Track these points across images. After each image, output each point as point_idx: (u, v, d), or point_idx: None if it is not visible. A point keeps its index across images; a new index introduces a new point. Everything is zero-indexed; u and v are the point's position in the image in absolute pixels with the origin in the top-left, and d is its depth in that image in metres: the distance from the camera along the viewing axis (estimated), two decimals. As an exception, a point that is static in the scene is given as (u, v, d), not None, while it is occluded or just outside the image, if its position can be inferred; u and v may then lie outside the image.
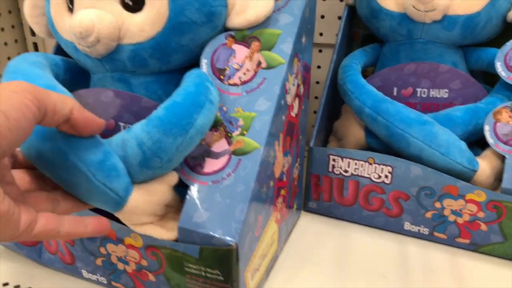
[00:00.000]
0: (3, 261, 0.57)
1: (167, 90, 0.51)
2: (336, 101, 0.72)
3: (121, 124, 0.51)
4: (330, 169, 0.66)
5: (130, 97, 0.50)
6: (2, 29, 0.87)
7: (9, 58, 0.89)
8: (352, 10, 0.75)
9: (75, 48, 0.51)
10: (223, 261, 0.45)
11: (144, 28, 0.48)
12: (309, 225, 0.67)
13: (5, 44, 0.88)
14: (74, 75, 0.55)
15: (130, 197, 0.44)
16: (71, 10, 0.50)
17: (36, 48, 0.94)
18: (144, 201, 0.45)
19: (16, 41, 0.91)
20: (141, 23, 0.48)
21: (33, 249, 0.55)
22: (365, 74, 0.70)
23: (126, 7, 0.48)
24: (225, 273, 0.46)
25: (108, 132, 0.51)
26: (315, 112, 0.87)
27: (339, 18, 0.84)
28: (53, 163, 0.40)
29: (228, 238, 0.44)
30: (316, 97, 0.89)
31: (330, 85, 0.71)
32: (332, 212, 0.68)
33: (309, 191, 0.68)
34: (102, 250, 0.50)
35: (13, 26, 0.89)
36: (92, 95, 0.51)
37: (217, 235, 0.45)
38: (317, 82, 0.89)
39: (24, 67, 0.47)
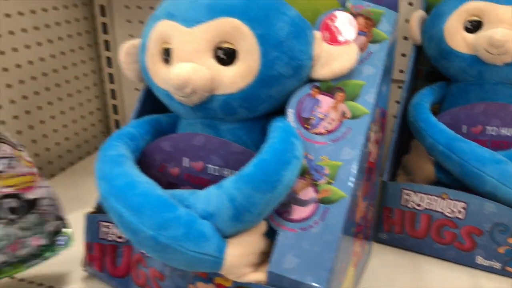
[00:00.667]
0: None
1: (252, 136, 0.45)
2: (403, 136, 0.64)
3: (209, 166, 0.45)
4: (403, 203, 0.58)
5: (220, 142, 0.44)
6: (83, 62, 0.84)
7: (87, 88, 0.85)
8: (418, 49, 0.66)
9: (168, 96, 0.45)
10: (311, 308, 0.38)
11: (235, 81, 0.42)
12: (380, 256, 0.59)
13: (85, 75, 0.86)
14: (151, 133, 0.49)
15: (226, 254, 0.38)
16: (166, 61, 0.45)
17: (111, 79, 0.91)
18: (240, 255, 0.39)
19: (93, 71, 0.89)
20: (233, 76, 0.42)
21: (122, 281, 0.50)
22: (431, 111, 0.61)
23: (220, 60, 0.43)
24: (312, 319, 0.39)
25: (196, 173, 0.46)
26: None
27: (403, 55, 0.75)
28: (147, 246, 0.38)
29: (317, 285, 0.38)
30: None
31: (400, 121, 0.62)
32: (403, 244, 0.60)
33: (381, 223, 0.60)
34: (191, 287, 0.45)
35: (91, 59, 0.87)
36: (184, 138, 0.46)
37: (306, 282, 0.38)
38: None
39: (105, 170, 0.43)
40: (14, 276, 0.54)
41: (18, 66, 0.72)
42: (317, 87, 0.44)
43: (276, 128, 0.42)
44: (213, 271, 0.40)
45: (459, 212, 0.54)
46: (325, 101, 0.44)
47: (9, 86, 0.71)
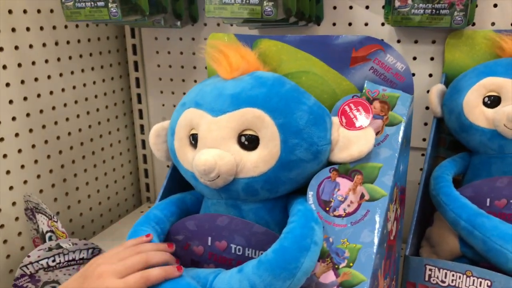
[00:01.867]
0: None
1: (273, 215, 0.48)
2: (426, 207, 0.64)
3: (233, 245, 0.47)
4: (426, 279, 0.57)
5: (243, 223, 0.47)
6: (118, 129, 0.90)
7: (121, 154, 0.90)
8: (439, 119, 0.68)
9: (194, 177, 0.49)
10: None
11: (258, 165, 0.45)
12: (407, 331, 0.58)
13: (119, 142, 0.91)
14: (177, 214, 0.52)
15: None
16: (193, 145, 0.49)
17: (143, 145, 0.95)
18: None
19: (127, 138, 0.94)
20: (256, 161, 0.45)
21: None
22: (454, 181, 0.62)
23: (243, 146, 0.46)
24: None
25: (220, 253, 0.48)
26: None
27: (425, 124, 0.77)
28: None
29: None
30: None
31: (422, 193, 0.63)
32: (429, 319, 0.59)
33: (405, 296, 0.60)
34: None
35: (124, 114, 0.92)
36: (208, 219, 0.48)
37: None
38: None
39: None
40: None
41: (58, 138, 0.77)
42: (336, 170, 0.47)
43: (296, 211, 0.44)
44: None
45: (486, 289, 0.53)
46: (344, 184, 0.46)
47: (48, 156, 0.76)
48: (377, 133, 0.48)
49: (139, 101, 0.94)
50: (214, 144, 0.46)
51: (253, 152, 0.45)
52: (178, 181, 0.56)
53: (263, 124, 0.45)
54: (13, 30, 0.67)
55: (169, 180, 0.57)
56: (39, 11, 0.71)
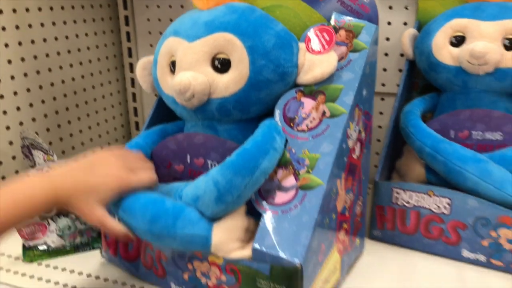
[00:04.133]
0: (109, 272, 0.61)
1: (245, 135, 0.53)
2: (397, 143, 0.70)
3: (209, 161, 0.53)
4: (393, 201, 0.64)
5: (217, 140, 0.53)
6: (110, 82, 0.95)
7: (113, 106, 0.97)
8: (412, 64, 0.73)
9: (174, 101, 0.54)
10: (289, 279, 0.45)
11: (229, 86, 0.51)
12: (374, 252, 0.64)
13: (111, 94, 0.98)
14: (158, 142, 0.58)
15: (213, 234, 0.46)
16: (172, 72, 0.55)
17: (134, 99, 1.01)
18: (225, 234, 0.47)
19: (118, 91, 1.00)
20: (227, 82, 0.51)
21: (132, 264, 0.58)
22: (424, 119, 0.67)
23: (216, 69, 0.51)
24: (292, 289, 0.46)
25: (198, 169, 0.54)
26: (377, 153, 0.85)
27: (400, 70, 0.82)
28: (146, 238, 0.49)
29: (294, 259, 0.45)
30: (378, 140, 0.86)
31: (393, 128, 0.69)
32: (395, 240, 0.65)
33: (375, 220, 0.66)
34: (189, 266, 0.52)
35: (116, 68, 0.98)
36: (187, 138, 0.55)
37: (285, 256, 0.45)
38: (379, 127, 0.86)
39: None
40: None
41: (52, 84, 0.83)
42: (301, 91, 0.52)
43: (262, 125, 0.50)
44: (204, 250, 0.48)
45: (445, 207, 0.60)
46: (308, 103, 0.52)
47: (43, 101, 0.82)
48: (341, 59, 0.53)
49: (130, 55, 1.00)
50: (189, 67, 0.52)
51: (225, 74, 0.51)
52: (163, 114, 0.62)
53: (233, 47, 0.50)
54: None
55: (154, 112, 0.63)
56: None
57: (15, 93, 0.77)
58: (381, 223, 0.66)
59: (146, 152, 0.57)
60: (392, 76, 0.83)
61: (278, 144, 0.48)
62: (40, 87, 0.81)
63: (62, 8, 0.84)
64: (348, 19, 0.56)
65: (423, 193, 0.61)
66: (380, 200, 0.65)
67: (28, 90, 0.79)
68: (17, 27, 0.76)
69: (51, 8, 0.82)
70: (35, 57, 0.79)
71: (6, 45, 0.74)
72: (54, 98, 0.84)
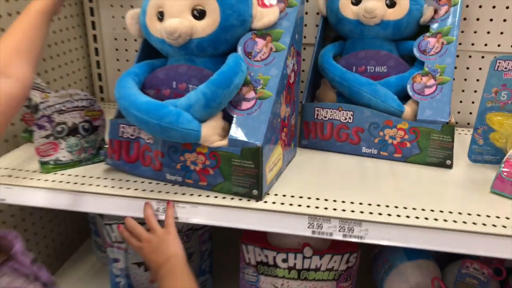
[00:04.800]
0: (113, 174, 0.79)
1: (217, 66, 0.72)
2: (316, 79, 0.95)
3: (190, 86, 0.73)
4: (315, 117, 0.89)
5: (197, 69, 0.73)
6: (75, 38, 1.09)
7: (77, 59, 1.11)
8: (325, 20, 0.98)
9: (162, 42, 0.73)
10: (254, 155, 0.68)
11: (205, 29, 0.71)
12: (303, 154, 0.89)
13: (75, 49, 1.11)
14: (148, 72, 0.76)
15: (202, 130, 0.67)
16: (160, 20, 0.73)
17: (96, 53, 1.17)
18: (210, 130, 0.68)
19: (82, 47, 1.14)
20: (203, 26, 0.71)
21: (133, 165, 0.77)
22: (335, 60, 0.92)
23: (195, 17, 0.71)
24: (255, 163, 0.68)
25: (182, 92, 0.73)
26: (303, 81, 1.09)
27: (317, 25, 1.07)
28: (155, 131, 0.67)
29: (256, 142, 0.67)
30: (302, 81, 1.11)
31: (313, 68, 0.94)
32: (317, 146, 0.90)
33: (302, 132, 0.91)
34: (181, 157, 0.72)
35: (80, 36, 1.12)
36: (173, 69, 0.74)
37: (250, 141, 0.67)
38: (303, 70, 1.11)
39: (122, 92, 0.70)
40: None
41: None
42: (255, 34, 0.74)
43: (230, 56, 0.71)
44: (194, 141, 0.69)
45: (350, 118, 0.86)
46: (260, 42, 0.74)
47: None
48: (281, 12, 0.76)
49: (92, 14, 1.14)
50: (176, 15, 0.71)
51: (202, 21, 0.71)
52: (146, 53, 0.81)
53: (208, 1, 0.70)
54: None
55: (141, 52, 0.81)
56: None
57: None
58: (307, 133, 0.90)
59: (141, 78, 0.75)
60: (311, 30, 1.07)
61: (243, 68, 0.70)
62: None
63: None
64: (284, -16, 0.78)
65: (335, 109, 0.86)
66: (306, 116, 0.89)
67: None
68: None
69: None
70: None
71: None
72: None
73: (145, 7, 0.75)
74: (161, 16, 0.72)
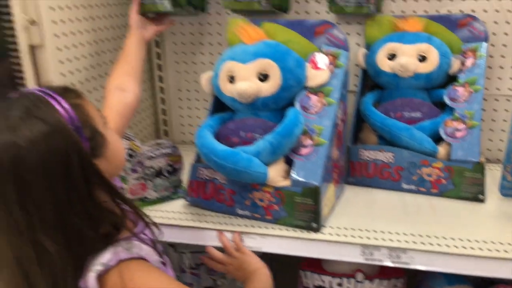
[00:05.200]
0: (191, 209, 0.93)
1: (278, 118, 0.87)
2: (358, 122, 1.08)
3: (256, 135, 0.87)
4: (360, 157, 1.01)
5: (261, 121, 0.87)
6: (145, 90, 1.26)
7: (144, 110, 1.27)
8: (364, 71, 1.11)
9: (232, 99, 0.88)
10: (313, 194, 0.80)
11: (269, 90, 0.85)
12: (350, 190, 1.01)
13: (146, 99, 1.27)
14: (219, 124, 0.90)
15: (268, 173, 0.81)
16: (231, 82, 0.88)
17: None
18: (275, 172, 0.81)
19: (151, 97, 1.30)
20: (267, 87, 0.85)
21: (209, 202, 0.91)
22: (374, 106, 1.05)
23: (260, 80, 0.86)
24: (314, 200, 0.80)
25: (248, 140, 0.88)
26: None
27: (356, 75, 1.20)
28: (230, 173, 0.81)
29: (315, 182, 0.80)
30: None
31: (355, 114, 1.07)
32: (362, 182, 1.02)
33: (349, 171, 1.03)
34: (250, 195, 0.86)
35: (148, 87, 1.28)
36: (241, 121, 0.88)
37: (310, 181, 0.80)
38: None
39: (203, 142, 0.84)
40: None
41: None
42: (310, 91, 0.88)
43: (290, 110, 0.85)
44: (262, 182, 0.82)
45: (390, 158, 0.98)
46: (314, 98, 0.87)
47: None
48: (330, 72, 0.89)
49: (159, 69, 1.31)
50: (245, 79, 0.86)
51: (266, 83, 0.85)
52: (216, 107, 0.96)
53: (271, 67, 0.85)
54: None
55: (212, 107, 0.96)
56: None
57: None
58: (353, 172, 1.03)
59: (214, 129, 0.90)
60: (352, 79, 1.20)
61: (302, 120, 0.84)
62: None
63: (107, 31, 1.14)
64: (332, 49, 0.92)
65: (377, 150, 0.99)
66: (352, 157, 1.02)
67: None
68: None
69: (107, 27, 1.12)
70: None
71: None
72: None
73: (217, 71, 0.90)
74: (232, 79, 0.87)
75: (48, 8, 0.85)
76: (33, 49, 0.84)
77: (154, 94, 1.34)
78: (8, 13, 0.77)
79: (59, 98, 0.55)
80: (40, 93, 0.56)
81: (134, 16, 0.99)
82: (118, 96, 0.85)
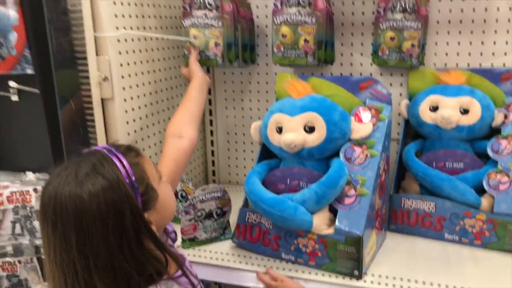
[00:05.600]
0: (238, 251, 0.98)
1: (323, 167, 0.91)
2: (400, 171, 1.10)
3: (301, 182, 0.92)
4: (402, 205, 1.03)
5: (307, 170, 0.91)
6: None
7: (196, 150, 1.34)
8: (406, 121, 1.14)
9: (280, 149, 0.93)
10: (356, 242, 0.83)
11: (314, 141, 0.90)
12: (392, 238, 1.02)
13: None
14: (267, 170, 0.96)
15: (313, 221, 0.85)
16: (278, 132, 0.94)
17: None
18: (319, 220, 0.85)
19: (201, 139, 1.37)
20: (313, 139, 0.90)
21: (255, 245, 0.95)
22: (416, 156, 1.07)
23: (307, 132, 0.91)
24: (356, 249, 0.83)
25: (294, 187, 0.92)
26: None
27: (398, 124, 1.23)
28: (277, 220, 0.85)
29: (358, 232, 0.83)
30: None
31: (398, 162, 1.09)
32: (403, 231, 1.03)
33: (391, 219, 1.05)
34: (295, 241, 0.89)
35: (200, 131, 1.35)
36: (288, 169, 0.93)
37: (353, 230, 0.83)
38: (389, 160, 1.26)
39: (251, 189, 0.90)
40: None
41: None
42: (353, 143, 0.92)
43: (334, 161, 0.89)
44: (307, 229, 0.86)
45: (432, 208, 0.99)
46: (358, 149, 0.91)
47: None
48: (373, 125, 0.93)
49: (210, 114, 1.39)
50: (292, 130, 0.91)
51: (312, 134, 0.90)
52: (264, 155, 1.01)
53: (317, 120, 0.90)
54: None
55: (260, 154, 1.01)
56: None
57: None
58: (395, 220, 1.04)
59: (262, 176, 0.95)
60: (394, 128, 1.23)
61: (346, 171, 0.88)
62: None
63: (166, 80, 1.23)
64: (376, 103, 0.96)
65: (419, 200, 1.00)
66: (394, 205, 1.04)
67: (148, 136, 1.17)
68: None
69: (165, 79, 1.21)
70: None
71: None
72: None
73: (266, 122, 0.96)
74: (280, 130, 0.93)
75: (118, 65, 0.94)
76: (103, 101, 0.93)
77: (204, 136, 1.42)
78: (86, 70, 0.86)
79: (121, 157, 0.62)
80: (106, 151, 0.63)
81: (195, 63, 1.03)
82: (175, 143, 0.90)
